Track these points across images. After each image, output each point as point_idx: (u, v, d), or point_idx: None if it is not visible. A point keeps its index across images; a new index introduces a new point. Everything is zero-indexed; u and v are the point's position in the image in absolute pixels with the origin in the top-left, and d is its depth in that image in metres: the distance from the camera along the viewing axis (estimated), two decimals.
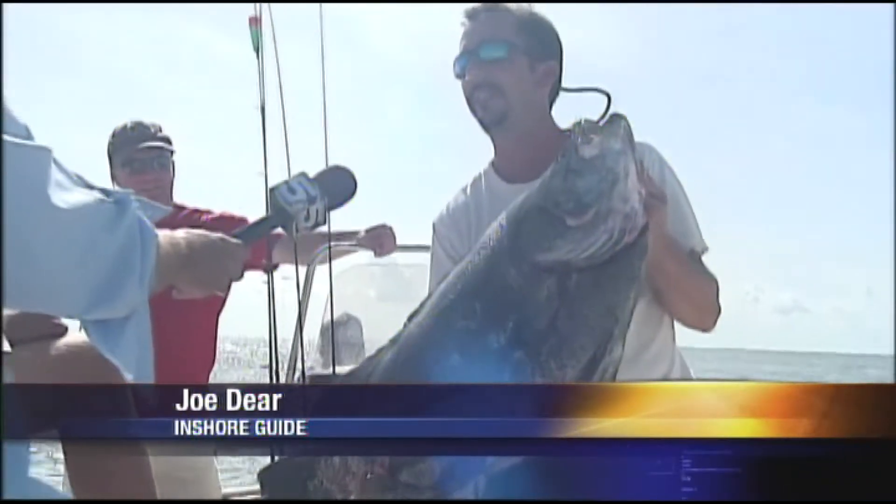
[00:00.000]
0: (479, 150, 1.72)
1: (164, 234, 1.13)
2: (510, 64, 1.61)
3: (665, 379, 1.56)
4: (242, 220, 2.56)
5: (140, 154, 2.49)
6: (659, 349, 1.59)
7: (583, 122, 1.31)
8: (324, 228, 2.40)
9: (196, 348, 2.63)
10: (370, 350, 3.17)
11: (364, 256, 2.63)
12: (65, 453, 1.64)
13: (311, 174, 1.44)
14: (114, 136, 2.57)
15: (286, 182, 1.42)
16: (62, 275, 0.95)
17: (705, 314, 1.59)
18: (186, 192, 2.67)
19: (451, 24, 1.69)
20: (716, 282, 1.58)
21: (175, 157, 2.62)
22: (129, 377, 1.05)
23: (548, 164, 1.61)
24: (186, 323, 2.48)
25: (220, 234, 1.28)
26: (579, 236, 1.23)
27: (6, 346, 1.37)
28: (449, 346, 1.28)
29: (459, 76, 1.66)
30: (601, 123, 1.30)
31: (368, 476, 1.29)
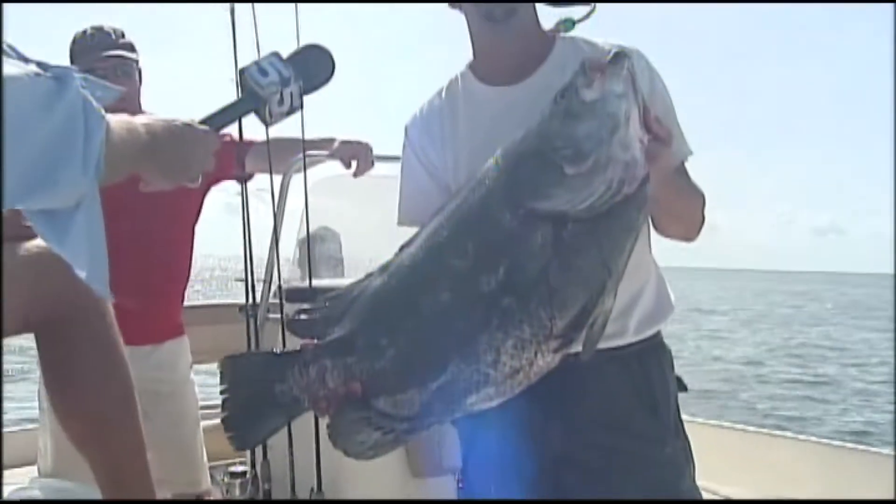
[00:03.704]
0: None
1: (118, 119, 1.04)
2: None
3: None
4: (251, 143, 2.45)
5: (101, 63, 2.35)
6: (637, 260, 1.53)
7: (585, 61, 1.21)
8: (298, 135, 2.31)
9: (169, 259, 2.58)
10: (349, 265, 3.13)
11: (341, 167, 2.53)
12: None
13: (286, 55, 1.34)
14: (74, 42, 2.44)
15: (257, 62, 1.31)
16: None
17: (691, 228, 1.57)
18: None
19: None
20: (702, 196, 1.54)
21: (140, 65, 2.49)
22: (81, 274, 0.98)
23: (529, 66, 1.55)
24: (153, 231, 2.41)
25: (185, 121, 1.19)
26: (577, 185, 1.17)
27: None
28: (440, 283, 1.24)
29: None
30: (605, 60, 1.20)
31: (344, 395, 1.25)
